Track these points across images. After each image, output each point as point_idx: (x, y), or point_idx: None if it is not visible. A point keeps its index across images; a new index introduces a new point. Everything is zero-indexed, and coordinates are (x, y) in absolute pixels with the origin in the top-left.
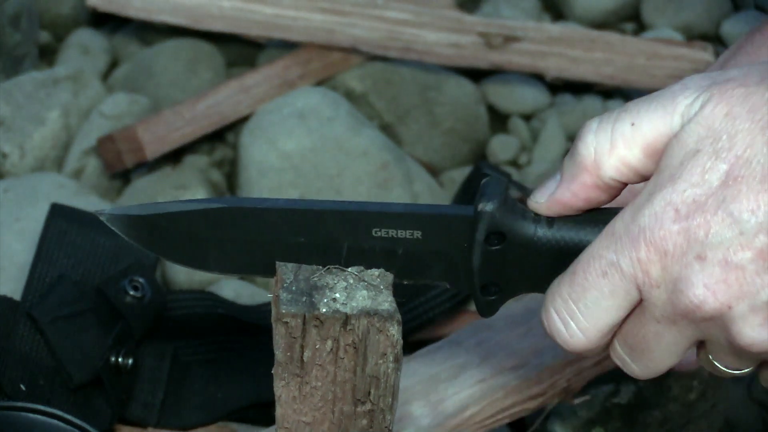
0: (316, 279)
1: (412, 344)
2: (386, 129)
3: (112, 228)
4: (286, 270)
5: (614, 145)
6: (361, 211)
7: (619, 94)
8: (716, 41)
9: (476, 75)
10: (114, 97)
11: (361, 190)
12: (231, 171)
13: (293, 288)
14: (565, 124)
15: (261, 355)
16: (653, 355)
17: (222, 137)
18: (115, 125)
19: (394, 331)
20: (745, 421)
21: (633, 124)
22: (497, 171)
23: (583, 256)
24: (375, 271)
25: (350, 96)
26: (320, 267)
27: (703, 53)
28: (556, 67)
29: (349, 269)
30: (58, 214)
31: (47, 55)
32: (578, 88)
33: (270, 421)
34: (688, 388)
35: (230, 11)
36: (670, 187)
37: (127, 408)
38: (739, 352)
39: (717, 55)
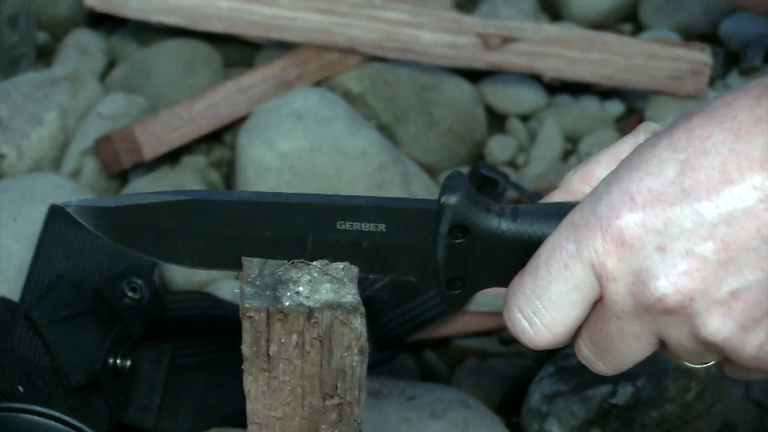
0: (280, 273)
1: (409, 345)
2: (384, 129)
3: (80, 220)
4: (251, 264)
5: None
6: (326, 204)
7: (617, 94)
8: (714, 42)
9: (474, 76)
10: (112, 98)
11: (358, 190)
12: (229, 171)
13: (257, 282)
14: (563, 125)
15: None
16: (618, 352)
17: (220, 138)
18: (113, 126)
19: (358, 323)
20: (743, 422)
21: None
22: (495, 171)
23: (544, 249)
24: (339, 265)
25: (348, 96)
26: (286, 261)
27: (700, 54)
28: (553, 67)
29: (314, 263)
30: (57, 215)
31: (45, 56)
32: (576, 88)
33: None
34: (685, 388)
35: (228, 12)
36: (627, 175)
37: (124, 411)
38: (703, 344)
39: (714, 55)
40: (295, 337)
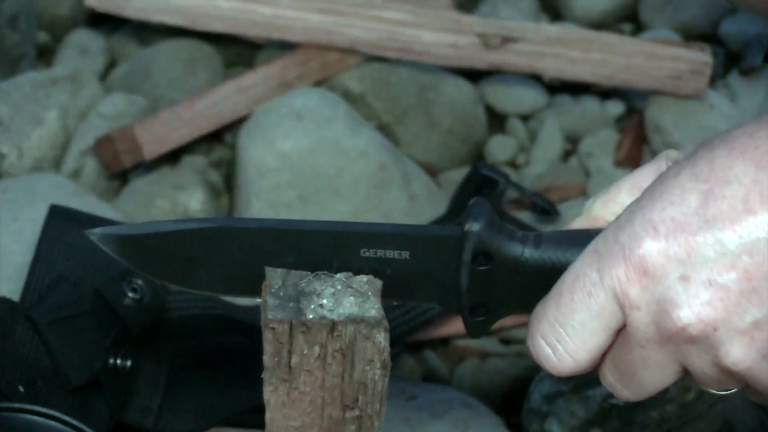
0: (303, 285)
1: (410, 345)
2: (384, 129)
3: (103, 248)
4: (274, 275)
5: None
6: (350, 231)
7: (617, 94)
8: (714, 42)
9: (474, 75)
10: (112, 98)
11: (359, 190)
12: (229, 171)
13: (281, 293)
14: (564, 125)
15: (258, 357)
16: (642, 379)
17: (220, 138)
18: (113, 125)
19: (381, 338)
20: (743, 422)
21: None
22: (495, 171)
23: (567, 276)
24: (363, 278)
25: (348, 96)
26: (309, 273)
27: (701, 54)
28: (554, 67)
29: (337, 275)
30: (57, 215)
31: (45, 56)
32: (576, 88)
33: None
34: (686, 388)
35: (228, 12)
36: (650, 205)
37: (124, 412)
38: (726, 372)
39: (715, 55)
40: (317, 349)
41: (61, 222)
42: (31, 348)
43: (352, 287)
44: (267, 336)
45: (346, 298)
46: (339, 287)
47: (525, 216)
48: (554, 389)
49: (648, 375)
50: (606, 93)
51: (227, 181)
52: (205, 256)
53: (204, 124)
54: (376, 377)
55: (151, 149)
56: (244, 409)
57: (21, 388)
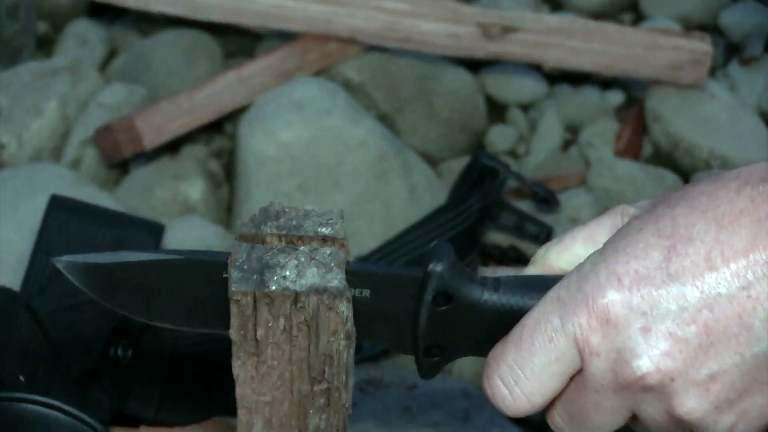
0: (268, 258)
1: None
2: (384, 119)
3: (68, 276)
4: (239, 249)
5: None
6: None
7: (617, 84)
8: (714, 32)
9: (474, 65)
10: (112, 88)
11: (359, 180)
12: (229, 161)
13: (245, 267)
14: (564, 115)
15: None
16: (591, 423)
17: (220, 128)
18: (113, 116)
19: (344, 308)
20: None
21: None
22: (495, 161)
23: (528, 321)
24: (327, 250)
25: (348, 86)
26: (273, 246)
27: (701, 43)
28: (554, 57)
29: (302, 248)
30: (58, 205)
31: (45, 46)
32: (576, 78)
33: None
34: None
35: (228, 1)
36: (614, 257)
37: (125, 402)
38: (677, 422)
39: (715, 45)
40: (282, 321)
41: (62, 212)
42: (32, 338)
43: (315, 259)
44: (232, 309)
45: (309, 270)
46: (303, 259)
47: (525, 205)
48: None
49: (598, 419)
50: (606, 83)
51: (227, 171)
52: (168, 289)
53: (204, 114)
54: (341, 348)
55: (151, 139)
56: None
57: (22, 378)
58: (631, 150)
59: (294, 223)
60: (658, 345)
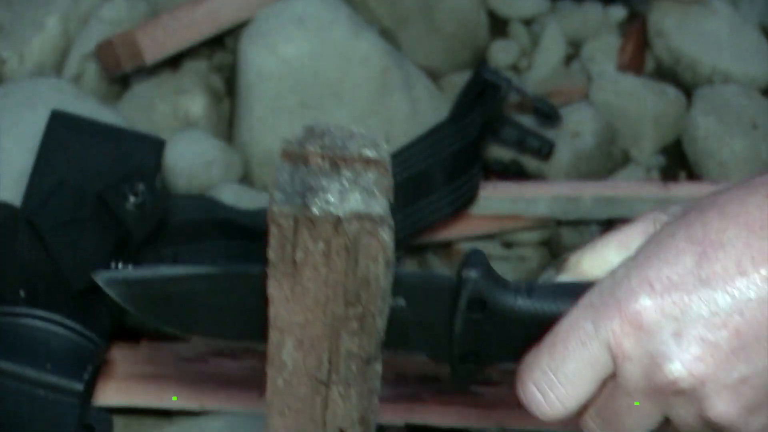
0: (311, 181)
1: (412, 248)
2: (386, 34)
3: (108, 292)
4: (282, 170)
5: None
6: None
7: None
8: None
9: None
10: (113, 3)
11: (361, 95)
12: (230, 76)
13: (287, 189)
14: (566, 29)
15: (259, 260)
16: (624, 426)
17: (221, 42)
18: (114, 30)
19: (386, 235)
20: None
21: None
22: (498, 75)
23: (561, 327)
24: (371, 175)
25: (350, 0)
26: (317, 169)
27: None
28: None
29: (346, 172)
30: (59, 120)
31: None
32: None
33: None
34: None
35: None
36: (646, 263)
37: (126, 315)
38: (708, 424)
39: None
40: (321, 244)
41: (63, 128)
42: (33, 253)
43: (359, 184)
44: (272, 230)
45: (353, 195)
46: (346, 184)
47: (527, 120)
48: None
49: (630, 422)
50: None
51: (228, 86)
52: (212, 302)
53: (205, 28)
54: (380, 274)
55: (152, 53)
56: None
57: (22, 293)
58: (633, 65)
59: (339, 143)
60: (690, 349)
